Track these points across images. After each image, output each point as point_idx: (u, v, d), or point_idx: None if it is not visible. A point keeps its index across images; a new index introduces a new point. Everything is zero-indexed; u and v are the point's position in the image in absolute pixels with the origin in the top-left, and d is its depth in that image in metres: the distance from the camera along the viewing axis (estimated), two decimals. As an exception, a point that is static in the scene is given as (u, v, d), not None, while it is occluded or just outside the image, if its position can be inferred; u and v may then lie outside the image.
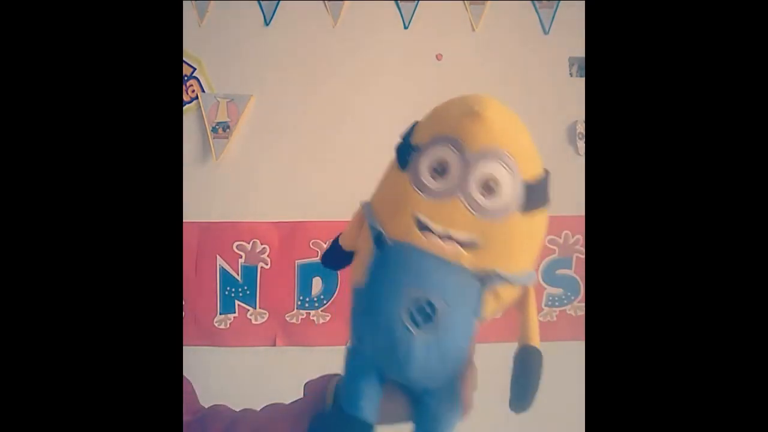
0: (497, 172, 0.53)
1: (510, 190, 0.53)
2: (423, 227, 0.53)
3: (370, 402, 0.57)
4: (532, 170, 0.55)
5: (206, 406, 0.71)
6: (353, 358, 0.58)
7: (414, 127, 0.58)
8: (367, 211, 0.58)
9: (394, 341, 0.53)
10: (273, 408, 0.67)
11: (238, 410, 0.69)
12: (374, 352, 0.55)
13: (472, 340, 0.56)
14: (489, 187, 0.53)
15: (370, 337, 0.55)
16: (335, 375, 0.64)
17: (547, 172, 0.57)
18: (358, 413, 0.56)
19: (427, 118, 0.58)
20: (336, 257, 0.62)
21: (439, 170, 0.54)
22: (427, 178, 0.54)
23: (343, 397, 0.58)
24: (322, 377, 0.65)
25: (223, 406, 0.70)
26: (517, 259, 0.56)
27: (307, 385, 0.66)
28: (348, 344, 0.60)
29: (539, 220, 0.56)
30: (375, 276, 0.55)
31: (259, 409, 0.68)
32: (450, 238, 0.53)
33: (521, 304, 0.57)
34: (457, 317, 0.54)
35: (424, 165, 0.54)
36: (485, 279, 0.53)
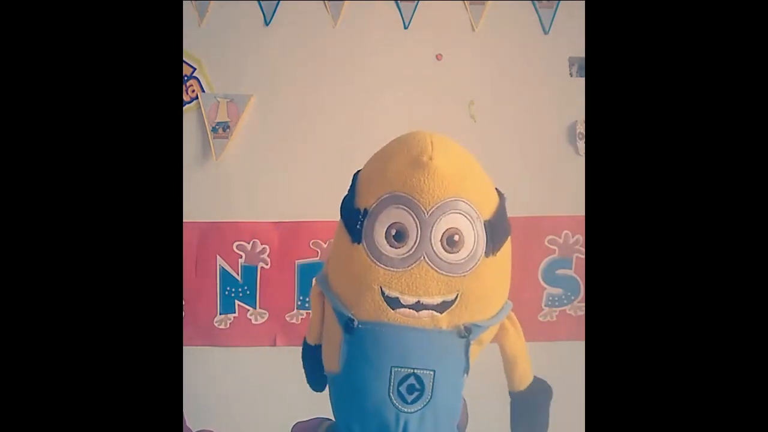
0: (458, 223, 0.50)
1: (473, 236, 0.51)
2: (392, 301, 0.50)
3: None
4: (490, 205, 0.53)
5: (194, 430, 0.70)
6: None
7: (355, 183, 0.53)
8: (327, 292, 0.54)
9: (387, 423, 0.50)
10: None
11: None
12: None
13: (461, 395, 0.54)
14: (453, 242, 0.50)
15: (360, 424, 0.52)
16: (326, 420, 0.62)
17: (501, 195, 0.54)
18: None
19: (369, 172, 0.53)
20: (314, 359, 0.58)
21: (397, 236, 0.50)
22: (385, 248, 0.50)
23: None
24: (312, 420, 0.63)
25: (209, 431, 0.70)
26: (494, 301, 0.54)
27: (296, 428, 0.64)
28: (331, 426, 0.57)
29: (505, 252, 0.54)
30: (351, 362, 0.52)
31: None
32: (423, 305, 0.50)
33: (504, 340, 0.55)
34: (446, 381, 0.52)
35: (379, 233, 0.50)
36: (465, 334, 0.52)
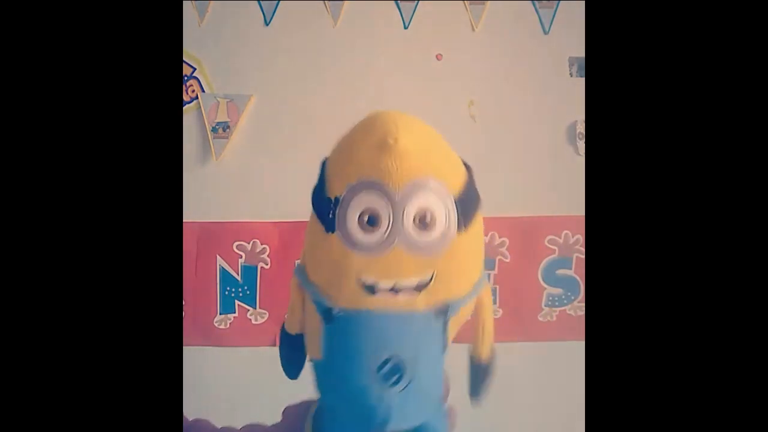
0: (428, 202, 0.50)
1: (445, 214, 0.50)
2: (370, 288, 0.50)
3: None
4: (458, 180, 0.52)
5: (190, 419, 0.70)
6: (329, 425, 0.55)
7: (324, 171, 0.53)
8: (305, 283, 0.54)
9: (371, 407, 0.50)
10: (254, 429, 0.66)
11: (219, 427, 0.69)
12: (352, 419, 0.52)
13: (443, 371, 0.54)
14: (424, 222, 0.50)
15: (345, 408, 0.52)
16: (316, 401, 0.62)
17: (468, 168, 0.54)
18: None
19: (336, 159, 0.53)
20: (292, 348, 0.58)
21: (370, 221, 0.49)
22: (359, 235, 0.50)
23: None
24: (302, 403, 0.63)
25: (206, 421, 0.70)
26: (469, 276, 0.54)
27: (286, 410, 0.64)
28: (314, 410, 0.58)
29: (477, 226, 0.53)
30: (331, 349, 0.52)
31: (239, 427, 0.67)
32: (400, 288, 0.50)
33: (476, 311, 0.56)
34: (426, 360, 0.52)
35: (351, 220, 0.50)
36: (443, 312, 0.52)
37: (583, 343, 0.52)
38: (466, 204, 0.52)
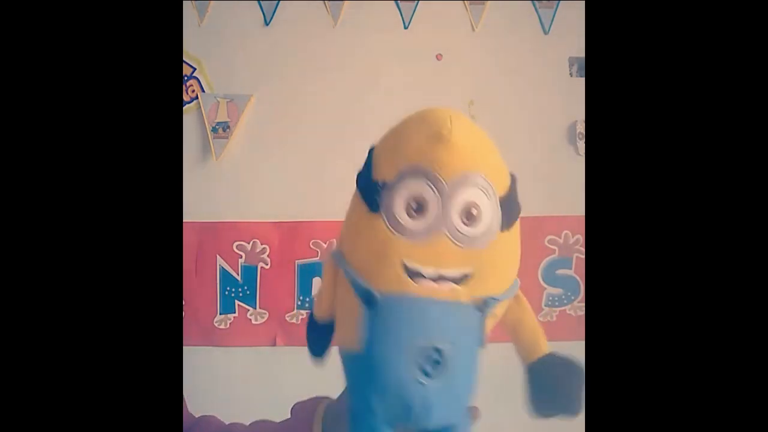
0: (477, 198, 0.50)
1: (490, 212, 0.51)
2: (413, 274, 0.50)
3: None
4: (504, 183, 0.53)
5: (196, 415, 0.70)
6: (361, 423, 0.53)
7: (371, 157, 0.53)
8: (344, 267, 0.53)
9: (409, 399, 0.50)
10: (262, 426, 0.66)
11: (227, 423, 0.69)
12: (387, 413, 0.51)
13: (477, 368, 0.54)
14: (471, 215, 0.50)
15: (381, 399, 0.51)
16: (324, 398, 0.62)
17: (513, 177, 0.55)
18: None
19: (387, 146, 0.53)
20: (321, 334, 0.58)
21: (417, 208, 0.50)
22: (405, 219, 0.50)
23: None
24: (311, 400, 0.63)
25: (213, 417, 0.70)
26: (507, 276, 0.54)
27: (295, 408, 0.64)
28: (335, 404, 0.57)
29: (516, 230, 0.54)
30: (374, 337, 0.51)
31: (248, 423, 0.67)
32: (442, 277, 0.50)
33: (518, 315, 0.56)
34: (464, 353, 0.52)
35: (398, 204, 0.50)
36: (482, 307, 0.52)
37: (583, 343, 0.52)
38: (510, 206, 0.52)
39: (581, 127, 1.38)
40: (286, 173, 1.38)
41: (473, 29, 1.41)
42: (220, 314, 1.38)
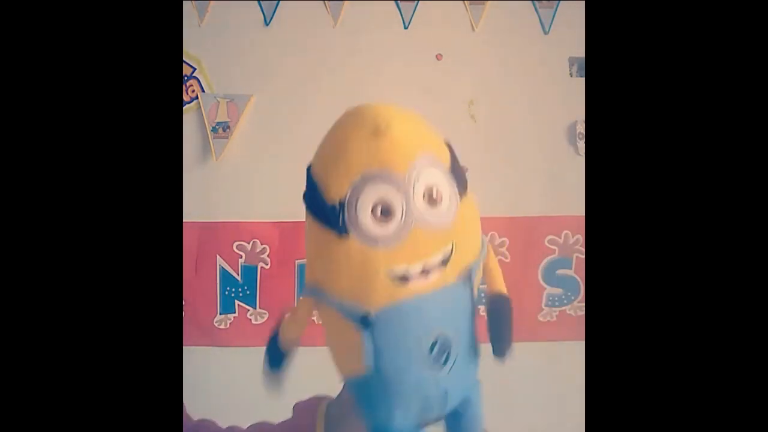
0: (433, 178, 0.50)
1: (448, 187, 0.51)
2: (401, 278, 0.49)
3: None
4: (446, 152, 0.53)
5: (195, 418, 0.70)
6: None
7: (313, 178, 0.51)
8: (327, 300, 0.51)
9: (429, 396, 0.51)
10: (260, 428, 0.66)
11: (224, 427, 0.68)
12: (410, 419, 0.51)
13: (475, 333, 0.55)
14: (432, 198, 0.50)
15: (402, 409, 0.51)
16: (325, 397, 0.61)
17: (447, 142, 0.54)
18: None
19: (327, 162, 0.51)
20: (280, 356, 0.55)
21: (383, 212, 0.49)
22: (376, 230, 0.49)
23: None
24: (312, 399, 0.62)
25: (210, 421, 0.69)
26: (478, 237, 0.55)
27: (297, 407, 0.63)
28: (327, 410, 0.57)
29: (470, 192, 0.54)
30: (380, 355, 0.50)
31: (245, 427, 0.67)
32: (429, 268, 0.50)
33: (488, 262, 0.56)
34: (465, 330, 0.52)
35: (364, 217, 0.49)
36: (469, 277, 0.52)
37: (583, 343, 0.52)
38: (457, 172, 0.52)
39: (581, 127, 1.38)
40: (286, 173, 1.37)
41: (473, 29, 1.41)
42: (220, 314, 1.38)
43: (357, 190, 0.49)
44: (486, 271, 0.56)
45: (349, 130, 0.50)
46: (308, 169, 0.53)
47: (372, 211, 0.49)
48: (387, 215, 0.49)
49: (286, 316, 0.55)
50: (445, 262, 0.51)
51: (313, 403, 0.62)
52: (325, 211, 0.50)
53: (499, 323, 0.54)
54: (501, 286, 0.56)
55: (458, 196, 0.52)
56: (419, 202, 0.49)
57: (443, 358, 0.50)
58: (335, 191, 0.50)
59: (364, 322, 0.49)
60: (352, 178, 0.49)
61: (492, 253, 0.57)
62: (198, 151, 1.38)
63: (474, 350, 0.54)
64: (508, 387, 1.16)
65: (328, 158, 0.51)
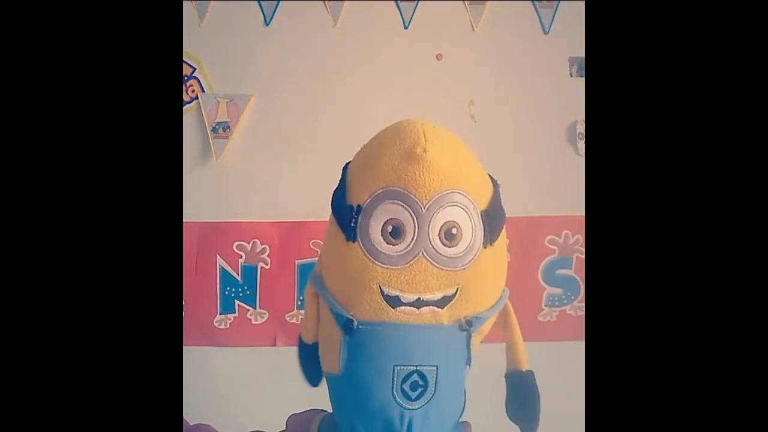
0: (455, 216, 0.49)
1: (471, 228, 0.49)
2: (392, 300, 0.49)
3: None
4: (486, 195, 0.51)
5: (191, 422, 0.70)
6: None
7: (346, 175, 0.52)
8: (323, 293, 0.52)
9: (391, 421, 0.50)
10: None
11: None
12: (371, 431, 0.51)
13: (463, 387, 0.54)
14: (451, 235, 0.49)
15: (364, 424, 0.51)
16: (320, 411, 0.61)
17: (495, 183, 0.53)
18: None
19: (359, 166, 0.52)
20: (310, 358, 0.56)
21: (394, 232, 0.48)
22: (382, 245, 0.49)
23: None
24: (307, 412, 0.62)
25: (207, 426, 0.70)
26: (493, 291, 0.53)
27: (290, 420, 0.63)
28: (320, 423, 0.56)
29: (501, 241, 0.53)
30: (352, 363, 0.50)
31: None
32: (423, 302, 0.49)
33: (504, 324, 0.55)
34: (449, 375, 0.51)
35: (374, 230, 0.49)
36: (466, 327, 0.51)
37: (583, 343, 0.52)
38: (493, 219, 0.51)
39: (581, 127, 1.38)
40: (286, 173, 1.38)
41: (473, 29, 1.40)
42: (220, 314, 1.38)
43: (375, 201, 0.49)
44: (509, 343, 0.55)
45: (390, 141, 0.50)
46: (345, 166, 0.53)
47: (383, 225, 0.49)
48: (396, 236, 0.48)
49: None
50: (444, 302, 0.50)
51: (308, 416, 0.62)
52: (342, 209, 0.50)
53: (525, 402, 0.53)
54: (523, 362, 0.54)
55: (483, 242, 0.50)
56: (434, 235, 0.48)
57: (416, 394, 0.49)
58: (356, 194, 0.50)
59: (347, 327, 0.50)
60: (375, 188, 0.49)
61: (514, 320, 0.55)
62: (198, 151, 1.38)
63: (457, 401, 0.53)
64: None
65: (362, 161, 0.52)
